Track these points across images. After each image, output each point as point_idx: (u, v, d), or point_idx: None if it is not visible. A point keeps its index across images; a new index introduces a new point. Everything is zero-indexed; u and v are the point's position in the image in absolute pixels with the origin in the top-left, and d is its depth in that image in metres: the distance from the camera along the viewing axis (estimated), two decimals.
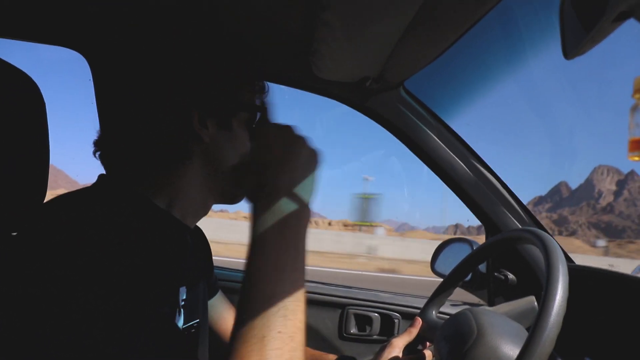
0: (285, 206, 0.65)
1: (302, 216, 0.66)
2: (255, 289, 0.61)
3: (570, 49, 0.62)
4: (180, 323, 0.77)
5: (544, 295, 0.68)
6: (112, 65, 0.84)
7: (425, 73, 1.19)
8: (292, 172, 0.68)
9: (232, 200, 0.86)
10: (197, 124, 0.75)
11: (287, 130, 0.72)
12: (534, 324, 0.66)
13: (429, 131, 1.31)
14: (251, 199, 0.69)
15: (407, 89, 1.28)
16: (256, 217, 0.65)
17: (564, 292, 0.68)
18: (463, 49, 1.11)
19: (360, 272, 14.64)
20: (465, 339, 0.80)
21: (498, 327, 0.81)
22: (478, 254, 1.01)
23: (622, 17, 0.50)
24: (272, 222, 0.64)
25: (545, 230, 1.06)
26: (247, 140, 0.83)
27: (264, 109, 0.87)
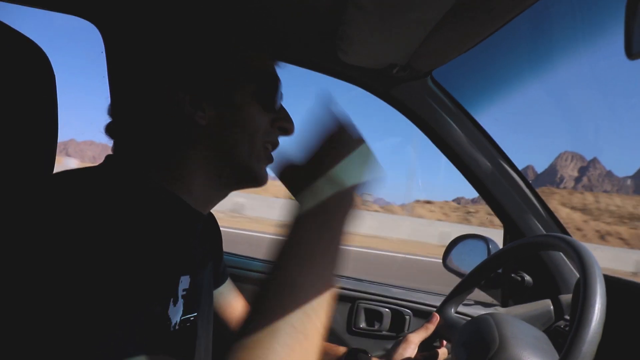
0: (326, 190, 0.59)
1: (343, 203, 0.60)
2: (281, 274, 0.55)
3: (636, 49, 0.57)
4: (179, 314, 0.74)
5: (581, 309, 0.65)
6: (119, 38, 0.79)
7: (455, 64, 1.13)
8: (334, 156, 0.62)
9: (253, 183, 0.80)
10: (188, 108, 0.70)
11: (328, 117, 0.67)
12: (572, 337, 0.63)
13: (454, 124, 1.26)
14: (286, 181, 0.65)
15: (435, 79, 1.22)
16: (294, 199, 0.60)
17: (602, 307, 0.66)
18: (497, 42, 1.05)
19: None
20: (487, 348, 0.77)
21: (521, 338, 0.78)
22: (502, 256, 0.97)
23: None
24: (311, 207, 0.58)
25: (570, 236, 1.01)
26: (260, 114, 0.77)
27: (270, 75, 0.79)
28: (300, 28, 1.07)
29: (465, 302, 1.40)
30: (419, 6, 0.80)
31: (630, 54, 0.57)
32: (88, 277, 0.53)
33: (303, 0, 0.95)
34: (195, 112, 0.71)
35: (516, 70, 1.36)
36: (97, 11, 1.08)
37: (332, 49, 1.09)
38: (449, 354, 0.96)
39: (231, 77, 0.74)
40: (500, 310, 1.30)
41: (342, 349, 1.06)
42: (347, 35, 0.98)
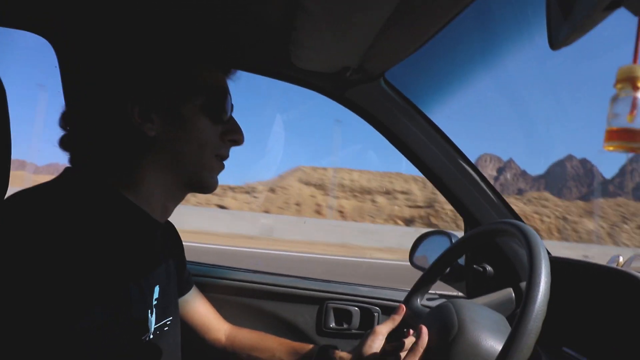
0: None
1: None
2: None
3: (557, 40, 0.61)
4: (153, 323, 0.74)
5: (527, 288, 0.69)
6: (70, 51, 0.80)
7: (406, 64, 1.17)
8: None
9: (203, 189, 0.83)
10: (137, 119, 0.72)
11: None
12: (519, 316, 0.66)
13: (409, 123, 1.30)
14: None
15: (388, 81, 1.26)
16: None
17: (546, 285, 0.69)
18: (444, 40, 1.10)
19: None
20: (447, 333, 0.80)
21: (480, 320, 0.81)
22: (460, 246, 1.01)
23: (612, 6, 0.49)
24: None
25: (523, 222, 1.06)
26: (208, 127, 0.79)
27: (218, 88, 0.81)
28: (252, 36, 1.09)
29: (429, 297, 1.43)
30: (363, 9, 0.84)
31: (553, 44, 0.61)
32: (52, 296, 0.54)
33: (253, 8, 0.97)
34: (144, 123, 0.72)
35: (463, 67, 1.41)
36: (48, 26, 1.07)
37: (286, 55, 1.12)
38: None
39: (178, 90, 0.75)
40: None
41: (311, 346, 1.07)
42: (299, 41, 1.01)
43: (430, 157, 1.32)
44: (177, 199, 0.83)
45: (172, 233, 1.02)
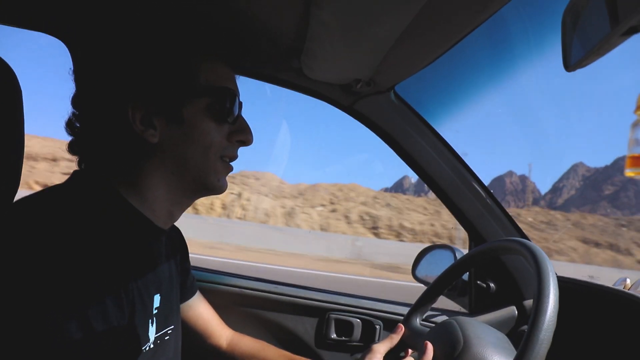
0: None
1: None
2: None
3: (573, 61, 0.61)
4: (153, 332, 0.74)
5: (534, 309, 0.68)
6: (82, 53, 0.80)
7: (416, 78, 1.18)
8: None
9: (210, 192, 0.81)
10: (138, 126, 0.71)
11: None
12: (527, 337, 0.66)
13: (417, 137, 1.30)
14: None
15: (398, 94, 1.27)
16: None
17: (554, 307, 0.68)
18: (456, 55, 1.10)
19: None
20: (452, 348, 0.80)
21: (484, 338, 0.81)
22: (465, 263, 1.01)
23: (630, 32, 0.49)
24: None
25: (529, 240, 1.06)
26: (214, 129, 0.77)
27: (223, 89, 0.78)
28: (264, 45, 1.09)
29: (431, 313, 1.43)
30: (379, 22, 0.84)
31: (568, 66, 0.61)
32: (49, 304, 0.53)
33: (267, 17, 0.98)
34: (146, 129, 0.72)
35: (473, 83, 1.42)
36: (64, 27, 1.08)
37: (298, 65, 1.12)
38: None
39: (179, 92, 0.74)
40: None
41: None
42: (312, 52, 1.02)
43: (437, 172, 1.32)
44: (183, 204, 0.82)
45: (177, 237, 1.02)
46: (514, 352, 0.82)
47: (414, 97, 1.28)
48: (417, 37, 0.94)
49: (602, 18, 0.50)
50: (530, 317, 0.67)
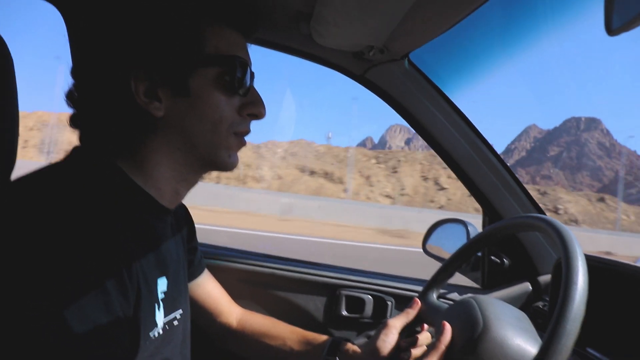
0: None
1: None
2: None
3: (617, 23, 0.56)
4: (162, 317, 0.71)
5: (564, 288, 0.65)
6: (77, 20, 0.74)
7: (431, 45, 1.11)
8: None
9: (220, 169, 0.76)
10: (141, 98, 0.66)
11: None
12: (557, 316, 0.63)
13: (431, 107, 1.24)
14: None
15: (412, 62, 1.20)
16: None
17: (584, 285, 0.66)
18: (473, 23, 1.04)
19: None
20: (472, 330, 0.77)
21: (504, 319, 0.78)
22: (484, 239, 0.97)
23: None
24: None
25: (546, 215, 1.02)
26: (223, 101, 0.71)
27: (233, 57, 0.72)
28: (273, 10, 1.03)
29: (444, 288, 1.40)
30: None
31: (610, 30, 0.56)
32: (48, 289, 0.51)
33: None
34: (150, 102, 0.66)
35: (491, 51, 1.35)
36: None
37: (307, 31, 1.06)
38: (432, 338, 0.95)
39: (185, 61, 0.68)
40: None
41: (323, 337, 1.05)
42: (323, 17, 0.95)
43: (452, 143, 1.27)
44: (190, 182, 0.77)
45: (182, 214, 0.98)
46: (534, 332, 0.79)
47: (429, 66, 1.22)
48: (434, 2, 0.88)
49: None
50: (558, 305, 0.64)
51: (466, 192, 1.35)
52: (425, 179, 37.00)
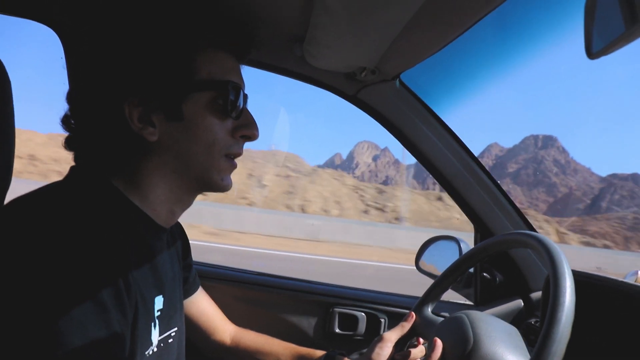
0: None
1: None
2: None
3: (596, 48, 0.58)
4: (157, 335, 0.71)
5: (551, 307, 0.66)
6: (71, 42, 0.75)
7: (422, 66, 1.14)
8: None
9: (213, 190, 0.77)
10: (135, 124, 0.67)
11: None
12: (543, 335, 0.64)
13: (423, 127, 1.27)
14: None
15: (403, 82, 1.23)
16: None
17: (571, 304, 0.66)
18: (463, 43, 1.07)
19: None
20: (462, 347, 0.78)
21: (495, 335, 0.79)
22: (476, 255, 0.98)
23: None
24: None
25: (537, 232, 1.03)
26: (216, 124, 0.72)
27: (225, 81, 0.73)
28: (267, 32, 1.05)
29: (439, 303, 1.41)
30: (386, 8, 0.80)
31: (591, 53, 0.58)
32: (44, 307, 0.51)
33: (270, 4, 0.93)
34: (144, 127, 0.68)
35: (480, 71, 1.38)
36: (54, 15, 1.03)
37: (300, 53, 1.08)
38: (427, 351, 0.96)
39: (177, 87, 0.69)
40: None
41: (319, 353, 1.05)
42: (316, 39, 0.98)
43: (443, 162, 1.29)
44: (185, 202, 0.78)
45: (177, 232, 0.98)
46: (525, 349, 0.80)
47: (420, 86, 1.25)
48: (425, 24, 0.90)
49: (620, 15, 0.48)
50: (545, 324, 0.65)
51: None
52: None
